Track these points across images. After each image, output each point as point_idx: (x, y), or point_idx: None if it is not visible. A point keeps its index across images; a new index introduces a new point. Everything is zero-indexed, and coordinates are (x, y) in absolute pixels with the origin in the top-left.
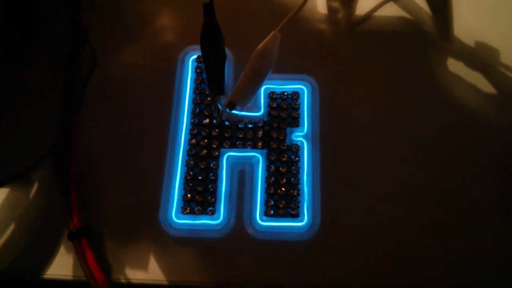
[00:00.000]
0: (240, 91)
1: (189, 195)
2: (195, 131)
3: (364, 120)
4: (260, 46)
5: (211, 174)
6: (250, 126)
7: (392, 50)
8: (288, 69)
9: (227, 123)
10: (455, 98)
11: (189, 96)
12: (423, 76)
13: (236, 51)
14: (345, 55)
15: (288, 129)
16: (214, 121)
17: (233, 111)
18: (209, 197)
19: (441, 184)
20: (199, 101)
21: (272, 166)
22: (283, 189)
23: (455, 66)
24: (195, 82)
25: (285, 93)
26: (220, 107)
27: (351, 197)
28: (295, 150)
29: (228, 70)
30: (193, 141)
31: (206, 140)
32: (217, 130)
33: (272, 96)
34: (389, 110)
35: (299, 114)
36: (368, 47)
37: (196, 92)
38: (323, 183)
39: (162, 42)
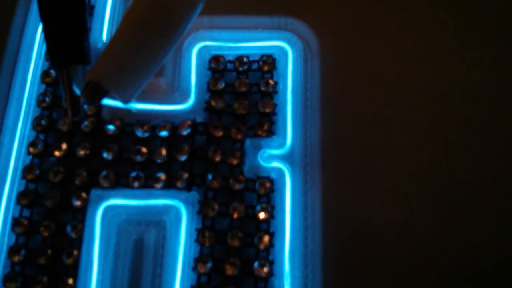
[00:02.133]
0: (111, 59)
1: None
2: (39, 148)
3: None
4: None
5: (67, 253)
6: (162, 135)
7: None
8: (254, 6)
9: (110, 127)
10: None
11: (34, 67)
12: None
13: None
14: None
15: (249, 142)
16: (85, 123)
17: (110, 103)
18: None
19: None
20: (56, 77)
21: (211, 233)
22: None
23: None
24: None
25: (245, 59)
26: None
27: None
28: (265, 191)
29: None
30: (34, 170)
31: (60, 169)
32: (86, 146)
33: (216, 66)
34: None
35: (275, 106)
36: None
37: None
38: (329, 276)
39: None
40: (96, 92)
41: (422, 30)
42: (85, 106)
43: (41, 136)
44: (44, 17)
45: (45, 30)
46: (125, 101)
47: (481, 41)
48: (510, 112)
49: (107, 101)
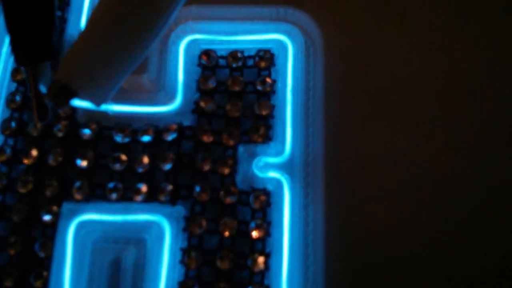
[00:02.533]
0: (80, 56)
1: None
2: (7, 154)
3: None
4: None
5: (35, 274)
6: (144, 140)
7: None
8: None
9: (86, 131)
10: None
11: (3, 67)
12: None
13: None
14: None
15: (243, 149)
16: (58, 126)
17: (83, 105)
18: None
19: None
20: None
21: (198, 253)
22: None
23: None
24: None
25: (240, 55)
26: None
27: None
28: (261, 205)
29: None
30: (1, 181)
31: (29, 178)
32: (58, 152)
33: (207, 62)
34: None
35: (272, 107)
36: None
37: None
38: None
39: None
40: (63, 93)
41: (428, 22)
42: (59, 109)
43: (10, 141)
44: (6, 7)
45: (7, 22)
46: (97, 103)
47: (485, 38)
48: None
49: (78, 103)
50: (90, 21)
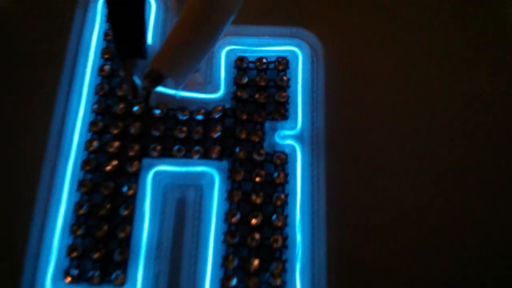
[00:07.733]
0: (169, 52)
1: (77, 250)
2: (99, 126)
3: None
4: None
5: (124, 206)
6: (199, 118)
7: None
8: (271, 18)
9: (157, 111)
10: None
11: (93, 63)
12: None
13: None
14: None
15: (268, 124)
16: (135, 107)
17: (162, 90)
18: (117, 252)
19: None
20: (109, 71)
21: (238, 193)
22: (257, 236)
23: None
24: (105, 39)
25: (264, 60)
26: (138, 82)
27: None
28: (281, 162)
29: (159, 17)
30: (94, 144)
31: (117, 144)
32: (137, 124)
33: (241, 65)
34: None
35: (288, 97)
36: None
37: (106, 56)
38: (331, 226)
39: None
40: (156, 78)
41: (411, 40)
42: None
43: (98, 120)
44: (111, 15)
45: (112, 27)
46: (177, 86)
47: (483, 42)
48: None
49: (159, 88)
50: (175, 30)
